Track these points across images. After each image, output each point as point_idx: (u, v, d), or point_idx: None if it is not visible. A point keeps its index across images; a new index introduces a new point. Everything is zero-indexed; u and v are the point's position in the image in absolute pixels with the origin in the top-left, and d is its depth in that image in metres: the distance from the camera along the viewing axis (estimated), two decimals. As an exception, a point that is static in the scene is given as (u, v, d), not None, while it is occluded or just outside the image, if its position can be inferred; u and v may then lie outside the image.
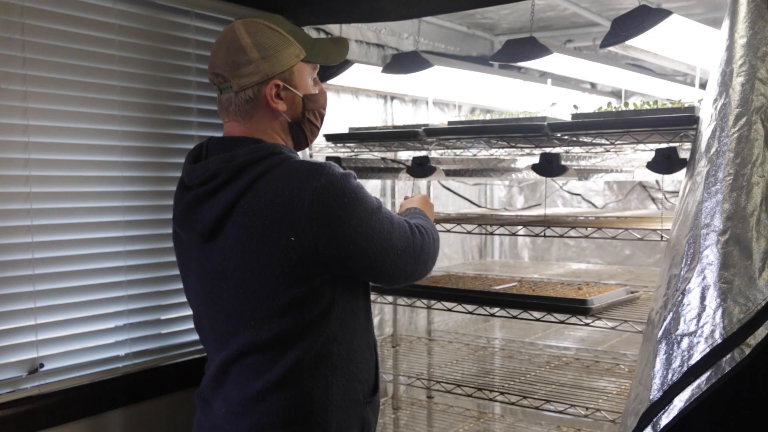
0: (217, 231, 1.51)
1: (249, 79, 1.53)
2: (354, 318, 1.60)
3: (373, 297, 2.56)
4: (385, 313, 3.13)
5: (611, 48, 2.08)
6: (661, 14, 1.95)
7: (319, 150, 2.66)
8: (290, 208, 1.43)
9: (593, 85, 3.62)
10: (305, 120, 1.64)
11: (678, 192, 1.91)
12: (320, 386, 1.52)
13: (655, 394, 1.50)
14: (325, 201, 1.43)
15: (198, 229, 1.53)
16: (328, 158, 2.59)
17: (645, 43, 2.06)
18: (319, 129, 1.70)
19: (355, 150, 2.60)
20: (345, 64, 2.56)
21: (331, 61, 1.68)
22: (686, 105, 1.96)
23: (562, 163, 2.15)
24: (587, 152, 2.51)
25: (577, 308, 2.06)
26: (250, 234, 1.46)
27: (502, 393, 2.29)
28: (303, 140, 1.67)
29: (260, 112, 1.57)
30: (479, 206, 3.70)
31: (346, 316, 1.56)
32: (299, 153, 1.69)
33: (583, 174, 2.85)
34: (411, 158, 2.47)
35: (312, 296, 1.49)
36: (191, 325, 1.85)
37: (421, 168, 2.41)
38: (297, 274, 1.46)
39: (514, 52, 2.25)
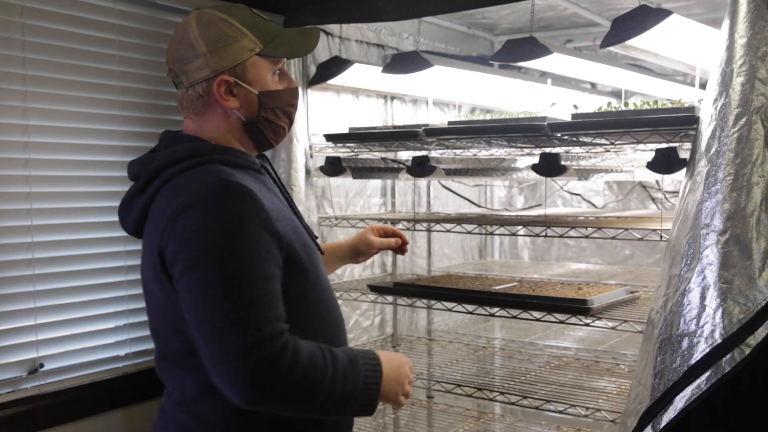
0: (139, 233, 1.47)
1: (198, 74, 1.43)
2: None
3: (372, 297, 2.57)
4: (385, 313, 3.13)
5: (611, 48, 2.08)
6: (661, 14, 1.95)
7: (319, 150, 2.66)
8: (161, 218, 1.34)
9: (593, 85, 3.62)
10: (262, 119, 1.48)
11: (678, 192, 1.91)
12: (230, 410, 1.33)
13: (655, 394, 1.50)
14: (181, 221, 1.29)
15: (128, 228, 1.50)
16: (328, 158, 2.58)
17: (645, 43, 2.06)
18: (284, 128, 1.53)
19: (355, 150, 2.60)
20: (345, 64, 2.56)
21: (295, 54, 1.52)
22: (686, 105, 1.96)
23: (562, 163, 2.15)
24: (587, 152, 2.51)
25: (577, 308, 2.06)
26: (147, 241, 1.41)
27: (502, 393, 2.29)
28: (264, 140, 1.52)
29: (212, 109, 1.46)
30: (479, 206, 3.70)
31: None
32: (271, 151, 1.62)
33: (583, 174, 2.85)
34: (411, 158, 2.48)
35: None
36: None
37: (421, 168, 2.41)
38: (176, 290, 1.32)
39: (514, 52, 2.25)
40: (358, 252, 1.96)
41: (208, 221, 1.28)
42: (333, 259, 1.95)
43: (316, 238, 1.61)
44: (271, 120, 1.49)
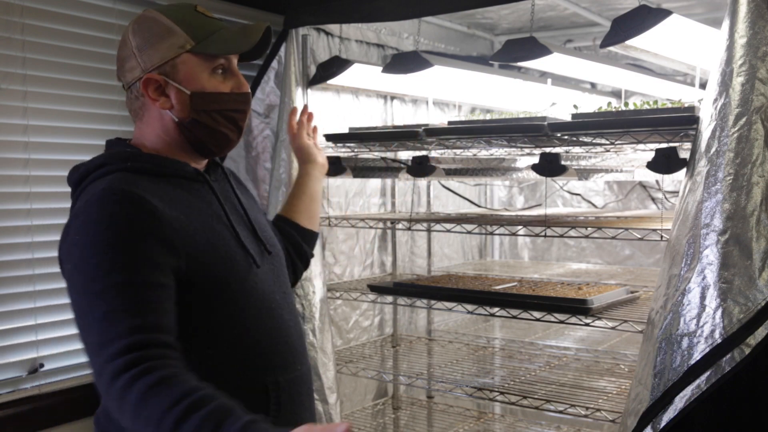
0: None
1: (131, 74, 1.40)
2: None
3: (372, 297, 2.57)
4: (385, 313, 3.13)
5: (611, 48, 2.08)
6: (661, 14, 1.95)
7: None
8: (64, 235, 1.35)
9: (593, 85, 3.62)
10: (194, 121, 1.39)
11: (678, 192, 1.91)
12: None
13: (655, 394, 1.50)
14: (68, 230, 1.33)
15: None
16: (328, 158, 2.58)
17: (645, 43, 2.06)
18: (226, 134, 1.43)
19: (355, 150, 2.60)
20: (345, 64, 2.56)
21: (229, 51, 1.40)
22: (686, 105, 1.95)
23: (562, 163, 2.15)
24: (587, 152, 2.51)
25: (577, 308, 2.06)
26: None
27: (502, 393, 2.29)
28: (203, 146, 1.43)
29: (149, 112, 1.41)
30: (479, 206, 3.70)
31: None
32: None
33: (583, 174, 2.85)
34: (411, 158, 2.47)
35: None
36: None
37: (420, 167, 2.41)
38: None
39: (514, 52, 2.25)
40: (305, 161, 1.98)
41: (89, 229, 1.26)
42: (300, 193, 1.87)
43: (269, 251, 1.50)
44: (206, 123, 1.40)
